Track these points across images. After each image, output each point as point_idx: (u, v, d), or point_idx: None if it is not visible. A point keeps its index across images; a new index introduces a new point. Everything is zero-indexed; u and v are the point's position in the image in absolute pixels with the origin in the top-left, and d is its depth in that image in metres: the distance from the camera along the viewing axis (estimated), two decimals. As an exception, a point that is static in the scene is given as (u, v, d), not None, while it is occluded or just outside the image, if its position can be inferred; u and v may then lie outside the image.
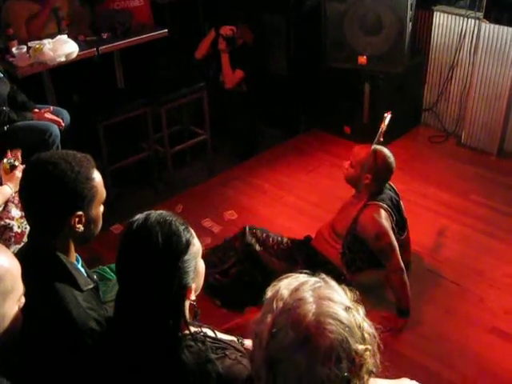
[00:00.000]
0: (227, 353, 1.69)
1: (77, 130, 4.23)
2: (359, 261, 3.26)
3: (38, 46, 4.01)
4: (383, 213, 3.13)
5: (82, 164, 1.83)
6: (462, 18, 4.85)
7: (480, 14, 4.69)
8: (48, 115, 3.94)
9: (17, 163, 3.08)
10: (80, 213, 1.82)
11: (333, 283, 1.33)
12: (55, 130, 3.85)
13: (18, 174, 2.96)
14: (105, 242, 3.64)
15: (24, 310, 1.53)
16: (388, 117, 3.31)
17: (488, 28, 4.63)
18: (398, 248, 3.14)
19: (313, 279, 1.33)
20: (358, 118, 5.05)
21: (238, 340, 2.00)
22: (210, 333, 1.75)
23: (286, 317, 1.24)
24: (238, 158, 4.97)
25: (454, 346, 3.12)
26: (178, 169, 4.78)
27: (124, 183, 4.54)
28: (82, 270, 1.95)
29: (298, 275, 1.36)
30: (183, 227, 1.65)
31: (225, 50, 4.84)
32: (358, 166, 3.20)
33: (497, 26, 4.58)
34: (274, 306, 1.28)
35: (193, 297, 1.67)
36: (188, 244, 1.63)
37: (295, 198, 4.40)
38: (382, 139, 3.26)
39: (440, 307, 3.39)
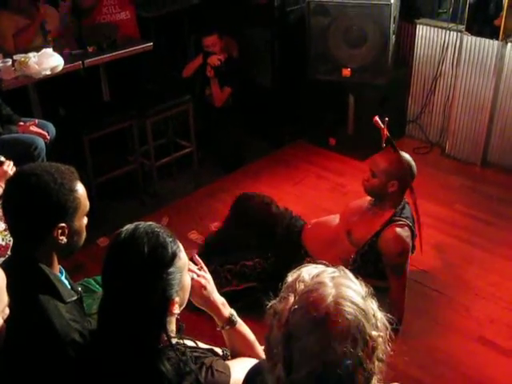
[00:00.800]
0: (205, 361, 1.70)
1: (62, 143, 4.23)
2: (364, 270, 3.24)
3: (23, 59, 4.01)
4: (408, 231, 3.10)
5: (65, 176, 1.84)
6: (444, 30, 4.92)
7: (462, 27, 4.76)
8: (33, 128, 3.93)
9: (2, 159, 3.05)
10: (63, 224, 1.82)
11: (350, 275, 1.38)
12: (40, 143, 3.85)
13: (6, 168, 2.93)
14: (90, 254, 3.65)
15: (7, 322, 1.53)
16: (378, 119, 3.21)
17: (470, 40, 4.69)
18: None
19: (331, 269, 1.39)
20: (342, 129, 5.10)
21: (223, 351, 2.00)
22: (190, 343, 1.76)
23: (306, 296, 1.30)
24: (224, 170, 4.98)
25: (441, 356, 3.14)
26: (164, 181, 4.78)
27: (110, 196, 4.52)
28: (66, 281, 1.95)
29: (316, 265, 1.42)
30: (170, 239, 1.67)
31: (214, 78, 4.91)
32: (382, 175, 3.10)
33: (478, 39, 4.64)
34: (297, 287, 1.34)
35: (176, 310, 1.67)
36: (174, 256, 1.64)
37: (281, 210, 4.40)
38: (384, 145, 3.16)
39: (426, 317, 3.40)
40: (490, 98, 4.74)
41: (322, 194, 4.60)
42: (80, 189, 1.88)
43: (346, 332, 1.25)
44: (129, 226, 1.68)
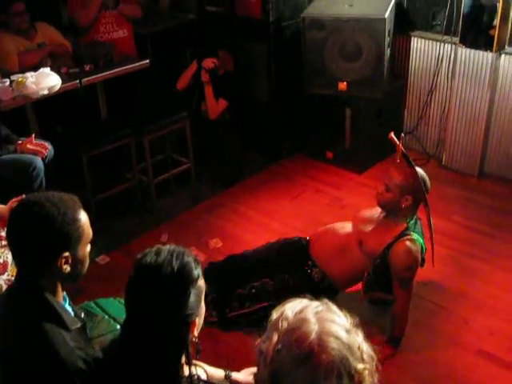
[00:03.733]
0: None
1: (61, 161, 4.24)
2: (376, 284, 3.26)
3: (20, 80, 4.02)
4: (418, 246, 3.11)
5: (68, 205, 1.85)
6: (438, 42, 4.96)
7: (456, 39, 4.79)
8: (30, 145, 3.94)
9: None
10: (67, 254, 1.83)
11: (334, 308, 1.40)
12: (39, 163, 3.86)
13: None
14: (91, 273, 3.62)
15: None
16: (393, 136, 3.22)
17: (464, 52, 4.73)
18: None
19: (315, 303, 1.40)
20: (339, 143, 5.11)
21: (225, 372, 2.02)
22: (202, 375, 1.78)
23: (290, 335, 1.31)
24: (222, 185, 4.99)
25: (441, 369, 3.15)
26: (162, 197, 4.79)
27: (109, 213, 4.52)
28: (70, 308, 1.96)
29: (301, 299, 1.42)
30: (194, 259, 1.72)
31: (208, 83, 4.86)
32: (396, 189, 3.10)
33: (472, 51, 4.68)
34: (280, 325, 1.34)
35: (196, 333, 1.70)
36: (198, 275, 1.70)
37: (279, 225, 4.41)
38: (399, 160, 3.16)
39: (426, 331, 3.41)
40: (485, 110, 4.77)
41: (320, 208, 4.61)
42: (83, 217, 1.89)
43: (330, 368, 1.25)
44: (151, 249, 1.73)
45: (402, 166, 3.13)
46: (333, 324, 1.32)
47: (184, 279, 1.66)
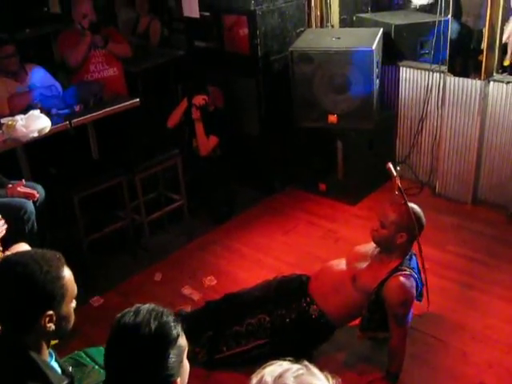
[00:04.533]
0: None
1: (53, 202, 4.23)
2: (372, 321, 3.23)
3: (10, 123, 4.03)
4: (413, 281, 3.09)
5: (51, 263, 1.84)
6: (427, 72, 4.98)
7: (444, 68, 4.82)
8: (21, 189, 3.93)
9: None
10: (50, 312, 1.82)
11: (315, 370, 1.35)
12: (30, 206, 3.85)
13: None
14: (85, 316, 3.63)
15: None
16: (391, 167, 3.22)
17: (453, 81, 4.75)
18: None
19: (296, 366, 1.35)
20: (332, 174, 5.11)
21: None
22: None
23: None
24: (215, 221, 4.98)
25: (440, 405, 3.11)
26: (155, 235, 4.78)
27: (102, 253, 4.50)
28: (56, 365, 1.94)
29: (281, 362, 1.38)
30: (174, 319, 1.69)
31: (199, 120, 4.86)
32: (391, 226, 3.09)
33: (461, 79, 4.70)
34: None
35: None
36: (178, 336, 1.67)
37: (273, 260, 4.39)
38: (397, 192, 3.15)
39: (423, 364, 3.37)
40: (476, 137, 4.79)
41: (313, 242, 4.59)
42: (67, 274, 1.89)
43: None
44: (130, 308, 1.70)
45: (396, 202, 3.12)
46: None
47: (163, 340, 1.63)
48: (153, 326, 1.63)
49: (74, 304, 1.94)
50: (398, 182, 3.11)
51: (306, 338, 3.34)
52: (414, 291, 3.10)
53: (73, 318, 1.94)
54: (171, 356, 1.63)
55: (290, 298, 3.41)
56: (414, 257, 3.25)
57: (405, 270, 3.10)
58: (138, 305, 1.72)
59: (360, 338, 3.30)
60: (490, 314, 3.73)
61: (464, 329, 3.62)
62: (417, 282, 3.15)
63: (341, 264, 3.41)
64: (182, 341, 1.69)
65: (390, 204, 3.17)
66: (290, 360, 1.39)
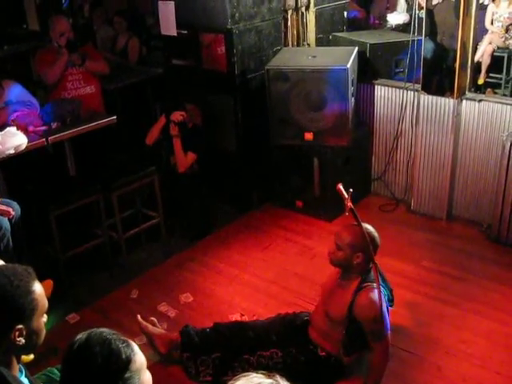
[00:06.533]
0: None
1: (29, 219, 4.22)
2: (356, 345, 3.23)
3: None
4: (376, 293, 3.09)
5: (22, 278, 1.85)
6: (401, 90, 5.06)
7: (418, 86, 4.90)
8: None
9: None
10: (20, 326, 1.83)
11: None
12: (5, 223, 3.83)
13: None
14: (61, 332, 3.62)
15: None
16: (341, 188, 3.26)
17: (426, 99, 4.83)
18: None
19: (267, 381, 1.35)
20: (309, 191, 5.14)
21: None
22: None
23: None
24: (192, 238, 4.98)
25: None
26: (132, 252, 4.76)
27: (78, 270, 4.48)
28: (26, 380, 1.93)
29: (253, 375, 1.38)
30: (124, 345, 1.66)
31: (177, 136, 4.88)
32: (347, 248, 3.16)
33: (434, 97, 4.78)
34: None
35: None
36: (128, 361, 1.64)
37: (250, 276, 4.40)
38: (347, 213, 3.11)
39: (399, 380, 3.38)
40: (450, 154, 4.86)
41: (290, 258, 4.61)
42: (37, 289, 1.89)
43: None
44: (81, 336, 1.68)
45: (350, 224, 3.17)
46: None
47: (113, 369, 1.62)
48: (101, 358, 1.61)
49: (44, 319, 1.94)
50: (350, 203, 3.08)
51: (318, 376, 3.32)
52: (383, 302, 3.10)
53: (43, 333, 1.94)
54: (126, 382, 1.62)
55: (298, 339, 3.41)
56: (371, 270, 3.24)
57: (367, 286, 3.13)
58: (89, 331, 1.70)
59: (348, 361, 3.30)
60: (464, 328, 3.77)
61: (438, 343, 3.66)
62: (383, 290, 3.17)
63: (319, 305, 3.46)
64: (135, 364, 1.66)
65: (345, 226, 3.25)
66: (262, 373, 1.39)
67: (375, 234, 3.21)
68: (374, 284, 3.13)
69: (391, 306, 3.35)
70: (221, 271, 4.51)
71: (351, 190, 3.05)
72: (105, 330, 1.70)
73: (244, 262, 4.59)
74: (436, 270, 4.38)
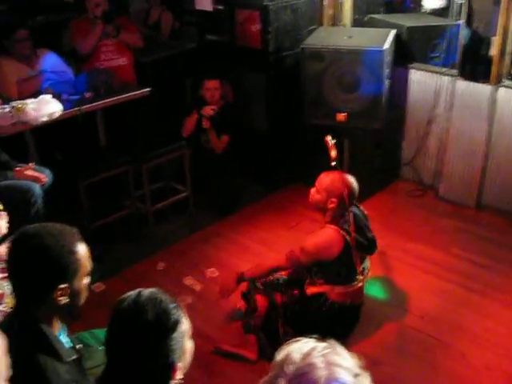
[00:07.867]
0: None
1: (59, 188, 4.24)
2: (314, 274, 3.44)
3: (20, 106, 4.04)
4: (330, 235, 3.31)
5: (67, 237, 1.87)
6: (437, 75, 4.99)
7: (455, 71, 4.83)
8: (29, 172, 3.96)
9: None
10: (64, 286, 1.84)
11: (341, 349, 1.35)
12: (37, 189, 3.86)
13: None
14: (86, 300, 3.62)
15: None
16: (330, 140, 3.51)
17: (462, 85, 4.76)
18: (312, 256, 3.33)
19: (322, 345, 1.34)
20: (337, 172, 5.10)
21: None
22: None
23: (298, 381, 1.26)
24: (219, 214, 4.98)
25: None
26: (159, 225, 4.79)
27: (106, 240, 4.51)
28: (67, 339, 1.95)
29: (307, 340, 1.37)
30: (173, 305, 1.68)
31: (210, 129, 4.97)
32: (323, 192, 3.38)
33: (471, 83, 4.71)
34: (286, 370, 1.29)
35: (179, 376, 1.68)
36: (177, 322, 1.66)
37: (276, 254, 4.32)
38: (334, 163, 3.43)
39: (423, 365, 3.38)
40: (483, 142, 4.79)
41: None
42: (81, 250, 1.91)
43: None
44: (132, 293, 1.70)
45: (332, 171, 3.40)
46: (341, 369, 1.28)
47: (161, 328, 1.63)
48: (152, 314, 1.63)
49: (86, 280, 1.96)
50: (334, 152, 3.43)
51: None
52: (331, 244, 3.28)
53: (85, 294, 1.97)
54: (171, 343, 1.63)
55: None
56: (356, 212, 3.45)
57: (330, 226, 3.33)
58: (139, 289, 1.72)
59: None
60: (489, 317, 3.74)
61: (463, 331, 3.64)
62: (348, 237, 3.30)
63: None
64: (184, 325, 1.69)
65: (327, 172, 3.46)
66: (315, 338, 1.38)
67: (354, 184, 3.44)
68: (338, 228, 3.30)
69: (370, 253, 3.52)
70: (247, 248, 4.52)
71: (334, 139, 3.44)
72: (155, 289, 1.72)
73: (270, 240, 4.58)
74: (465, 257, 4.33)
